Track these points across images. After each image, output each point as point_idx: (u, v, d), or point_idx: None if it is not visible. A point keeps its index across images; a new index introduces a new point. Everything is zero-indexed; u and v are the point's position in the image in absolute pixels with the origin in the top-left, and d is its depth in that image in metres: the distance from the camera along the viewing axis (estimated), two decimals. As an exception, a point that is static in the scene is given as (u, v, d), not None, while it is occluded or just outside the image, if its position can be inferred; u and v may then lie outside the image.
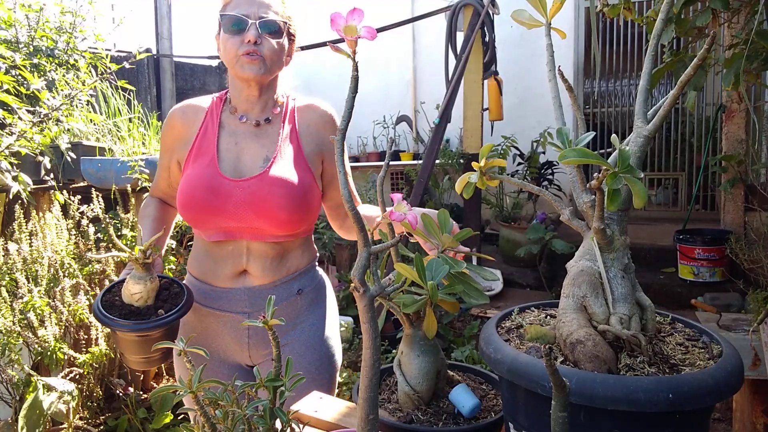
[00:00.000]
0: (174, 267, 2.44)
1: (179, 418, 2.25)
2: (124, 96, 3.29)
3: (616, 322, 0.74)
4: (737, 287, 3.18)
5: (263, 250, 1.31)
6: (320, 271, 1.49)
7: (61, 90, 2.42)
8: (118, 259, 2.40)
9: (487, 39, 4.34)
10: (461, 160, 4.83)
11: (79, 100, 2.62)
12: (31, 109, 2.25)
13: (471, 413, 0.88)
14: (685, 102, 4.30)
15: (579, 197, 0.80)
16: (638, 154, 0.77)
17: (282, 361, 0.73)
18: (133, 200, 2.52)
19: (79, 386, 2.09)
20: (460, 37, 4.37)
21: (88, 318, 2.14)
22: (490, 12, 4.23)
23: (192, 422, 1.37)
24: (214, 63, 5.88)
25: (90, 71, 2.73)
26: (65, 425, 1.95)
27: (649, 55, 0.80)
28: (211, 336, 1.37)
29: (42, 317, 2.01)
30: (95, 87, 2.96)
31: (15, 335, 1.95)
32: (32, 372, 1.99)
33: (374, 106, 6.15)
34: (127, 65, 2.61)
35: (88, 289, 2.23)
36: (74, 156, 2.64)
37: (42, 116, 2.19)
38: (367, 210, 1.41)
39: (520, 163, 4.87)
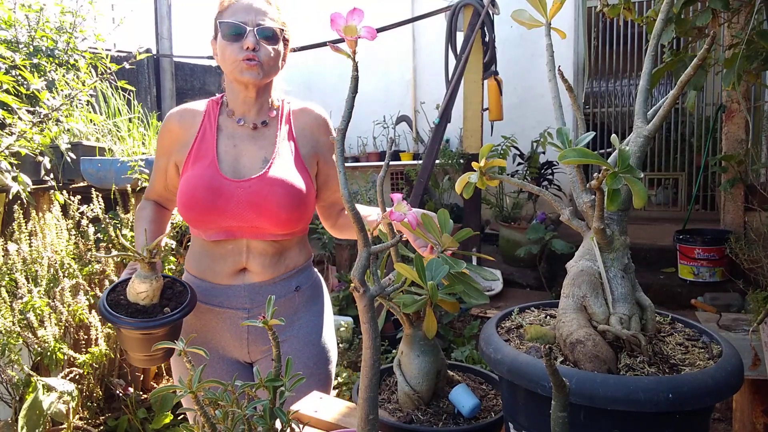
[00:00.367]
0: (174, 267, 2.44)
1: (179, 418, 2.25)
2: (124, 96, 3.29)
3: (616, 322, 0.74)
4: (737, 287, 3.18)
5: (262, 248, 1.34)
6: (316, 270, 1.53)
7: (61, 90, 2.42)
8: (119, 259, 2.40)
9: (487, 39, 4.34)
10: (461, 160, 4.83)
11: (79, 100, 2.62)
12: (31, 109, 2.25)
13: (471, 413, 0.88)
14: (685, 102, 4.30)
15: (579, 197, 0.80)
16: (638, 154, 0.77)
17: (282, 360, 0.73)
18: (133, 200, 2.52)
19: (79, 386, 2.08)
20: (460, 37, 4.37)
21: (87, 318, 2.14)
22: (490, 12, 4.23)
23: (192, 422, 1.38)
24: (214, 63, 5.87)
25: (90, 71, 2.73)
26: (65, 425, 1.95)
27: (649, 55, 0.80)
28: (210, 332, 1.39)
29: (42, 317, 2.01)
30: (95, 87, 2.95)
31: (15, 335, 1.95)
32: (32, 372, 1.99)
33: (374, 106, 6.15)
34: (127, 65, 2.61)
35: (88, 289, 2.23)
36: (74, 156, 2.64)
37: (42, 116, 2.19)
38: (360, 210, 1.42)
39: (520, 163, 4.87)
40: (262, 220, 1.29)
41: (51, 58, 2.79)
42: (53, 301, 2.09)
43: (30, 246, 2.18)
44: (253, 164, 1.33)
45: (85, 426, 2.09)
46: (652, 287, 3.81)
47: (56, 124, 2.41)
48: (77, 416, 2.08)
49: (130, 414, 2.27)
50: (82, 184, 2.75)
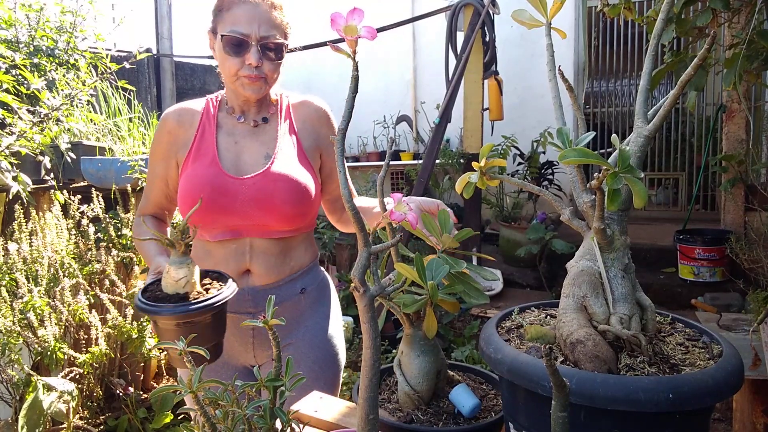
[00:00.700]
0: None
1: (179, 418, 2.25)
2: (125, 96, 3.29)
3: (616, 322, 0.74)
4: (737, 287, 3.18)
5: (266, 247, 1.32)
6: (322, 269, 1.50)
7: (61, 90, 2.42)
8: (118, 259, 2.40)
9: (487, 39, 4.34)
10: (461, 160, 4.83)
11: (79, 100, 2.62)
12: (31, 109, 2.25)
13: (471, 413, 0.88)
14: (685, 102, 4.29)
15: (579, 197, 0.80)
16: (638, 154, 0.77)
17: (283, 360, 0.73)
18: (133, 200, 2.52)
19: (79, 386, 2.08)
20: (460, 37, 4.37)
21: (88, 318, 2.14)
22: (491, 12, 4.23)
23: (193, 422, 1.37)
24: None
25: (90, 71, 2.73)
26: (65, 425, 1.95)
27: (649, 55, 0.80)
28: None
29: (42, 317, 2.01)
30: (95, 87, 2.96)
31: (15, 335, 1.95)
32: (32, 372, 1.99)
33: (374, 106, 6.15)
34: (127, 65, 2.61)
35: (88, 288, 2.23)
36: (74, 156, 2.64)
37: (42, 116, 2.20)
38: (364, 202, 1.42)
39: (520, 163, 4.87)
40: (267, 216, 1.27)
41: (51, 58, 2.79)
42: (53, 301, 2.09)
43: (30, 245, 2.18)
44: (255, 161, 1.31)
45: (85, 426, 2.09)
46: (653, 287, 3.81)
47: (56, 124, 2.41)
48: (77, 416, 2.08)
49: (131, 414, 2.27)
50: (82, 183, 2.75)
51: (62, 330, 2.09)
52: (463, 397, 0.89)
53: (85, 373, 2.13)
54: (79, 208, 2.39)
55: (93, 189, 2.45)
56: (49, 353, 1.98)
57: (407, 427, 0.86)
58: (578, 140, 0.72)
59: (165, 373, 2.65)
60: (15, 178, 2.03)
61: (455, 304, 0.88)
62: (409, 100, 6.34)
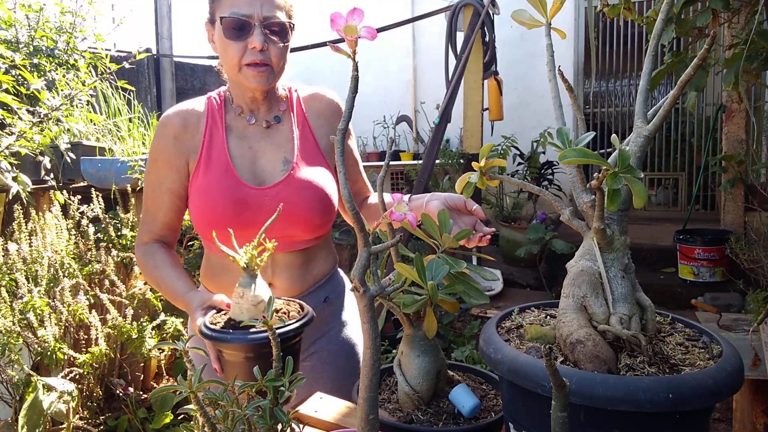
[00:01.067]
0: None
1: (179, 418, 2.25)
2: (124, 96, 3.30)
3: (616, 322, 0.74)
4: (737, 287, 3.18)
5: (289, 260, 1.24)
6: (340, 272, 1.42)
7: (61, 90, 2.42)
8: (118, 259, 2.40)
9: (487, 39, 4.34)
10: (461, 160, 4.83)
11: (79, 100, 2.63)
12: (31, 109, 2.25)
13: (471, 413, 0.88)
14: (685, 102, 4.30)
15: (579, 197, 0.80)
16: (638, 154, 0.77)
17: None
18: (133, 200, 2.52)
19: (79, 386, 2.08)
20: (460, 37, 4.37)
21: (87, 318, 2.14)
22: (490, 12, 4.23)
23: (193, 422, 1.36)
24: (215, 63, 5.87)
25: (90, 71, 2.73)
26: (65, 425, 1.95)
27: (649, 55, 0.80)
28: None
29: (42, 317, 2.01)
30: (95, 87, 2.96)
31: (15, 335, 1.95)
32: (32, 372, 1.99)
33: (374, 106, 6.16)
34: (127, 65, 2.61)
35: (88, 289, 2.23)
36: (74, 156, 2.64)
37: (42, 116, 2.19)
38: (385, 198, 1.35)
39: (520, 163, 4.87)
40: (293, 228, 1.17)
41: (51, 58, 2.79)
42: (53, 301, 2.09)
43: (30, 246, 2.18)
44: (273, 167, 1.20)
45: (85, 426, 2.09)
46: (652, 287, 3.80)
47: (56, 124, 2.41)
48: (77, 416, 2.08)
49: (130, 414, 2.27)
50: (82, 184, 2.75)
51: (62, 330, 2.09)
52: (463, 397, 0.89)
53: (85, 373, 2.13)
54: (78, 209, 2.40)
55: (93, 189, 2.46)
56: (49, 353, 1.98)
57: (407, 427, 0.86)
58: (578, 140, 0.72)
59: (165, 373, 2.65)
60: (15, 179, 2.03)
61: (455, 304, 0.88)
62: (408, 100, 6.34)
